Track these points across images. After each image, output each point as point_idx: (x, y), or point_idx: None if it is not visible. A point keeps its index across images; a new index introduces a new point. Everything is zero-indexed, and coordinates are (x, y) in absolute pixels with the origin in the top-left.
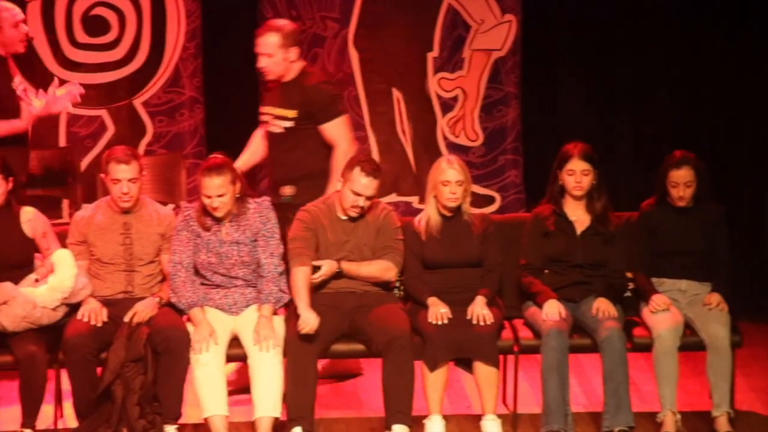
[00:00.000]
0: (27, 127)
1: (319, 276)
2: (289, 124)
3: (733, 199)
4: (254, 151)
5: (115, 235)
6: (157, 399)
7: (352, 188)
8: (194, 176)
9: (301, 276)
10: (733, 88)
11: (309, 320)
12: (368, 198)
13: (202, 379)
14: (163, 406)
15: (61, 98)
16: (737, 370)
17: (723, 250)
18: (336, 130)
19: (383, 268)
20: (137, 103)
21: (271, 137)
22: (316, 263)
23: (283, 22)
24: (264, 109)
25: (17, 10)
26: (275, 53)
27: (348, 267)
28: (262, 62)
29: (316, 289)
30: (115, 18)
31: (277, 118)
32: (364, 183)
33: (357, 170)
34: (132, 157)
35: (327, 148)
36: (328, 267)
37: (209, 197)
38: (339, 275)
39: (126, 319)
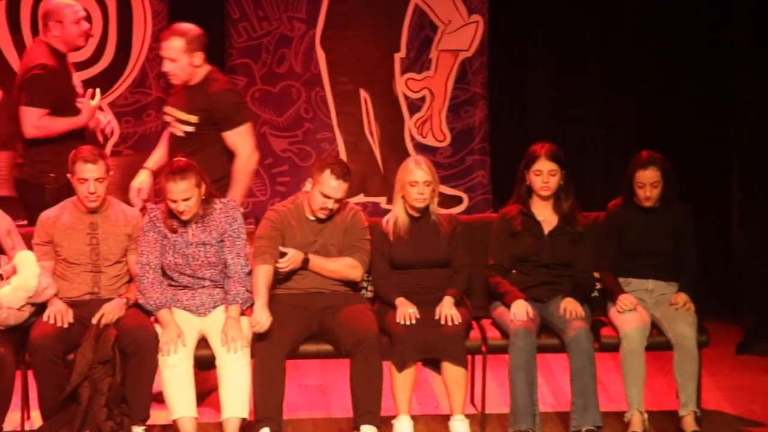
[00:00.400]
0: (88, 122)
1: (285, 262)
2: (190, 128)
3: (699, 199)
4: (164, 151)
5: (82, 236)
6: (125, 400)
7: (321, 190)
8: (160, 177)
9: (263, 274)
10: (700, 89)
11: (261, 318)
12: (337, 201)
13: (171, 380)
14: (131, 407)
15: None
16: (704, 370)
17: (689, 250)
18: (238, 138)
19: (349, 266)
20: (104, 103)
21: (173, 139)
22: (283, 249)
23: (189, 27)
24: (167, 109)
25: (79, 6)
26: (179, 58)
27: (315, 259)
28: (167, 66)
29: (282, 280)
30: None
31: (179, 122)
32: (333, 186)
33: (327, 173)
34: (99, 157)
35: (228, 154)
36: (294, 254)
37: (175, 201)
38: (305, 266)
39: (94, 320)
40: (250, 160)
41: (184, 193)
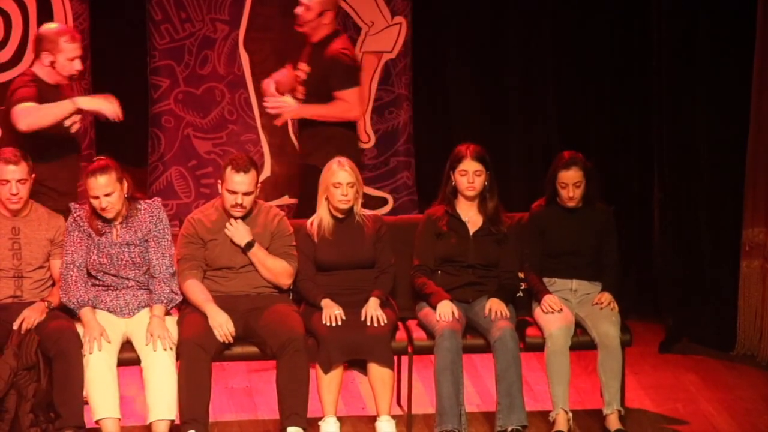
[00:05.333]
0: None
1: (230, 229)
2: None
3: (621, 198)
4: None
5: (4, 240)
6: (53, 407)
7: (227, 188)
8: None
9: (195, 287)
10: (622, 89)
11: (221, 321)
12: (246, 194)
13: (93, 379)
14: (62, 414)
15: None
16: (627, 369)
17: (612, 249)
18: None
19: (285, 270)
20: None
21: None
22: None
23: None
24: None
25: None
26: None
27: (258, 249)
28: None
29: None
30: (0, 20)
31: None
32: (237, 180)
33: (228, 169)
34: (21, 158)
35: None
36: (243, 228)
37: (96, 198)
38: (247, 249)
39: (15, 326)
40: None
41: (105, 188)
